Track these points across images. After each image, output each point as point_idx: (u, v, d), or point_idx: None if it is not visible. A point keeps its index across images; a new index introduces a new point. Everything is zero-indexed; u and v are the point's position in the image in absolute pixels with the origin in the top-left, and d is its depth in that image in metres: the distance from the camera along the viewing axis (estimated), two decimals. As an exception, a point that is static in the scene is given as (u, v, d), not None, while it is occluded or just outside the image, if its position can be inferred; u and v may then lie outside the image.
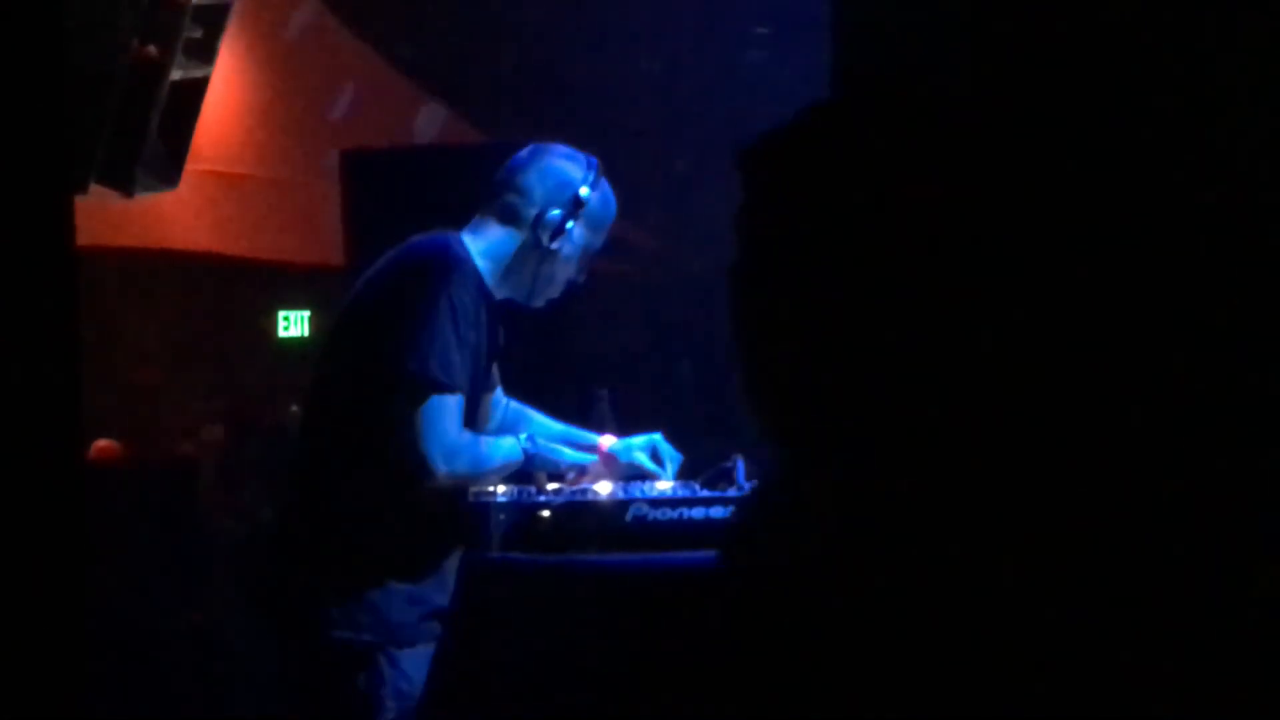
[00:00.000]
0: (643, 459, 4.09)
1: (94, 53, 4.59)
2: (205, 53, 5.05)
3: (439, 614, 3.92)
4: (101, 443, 8.44)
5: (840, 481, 1.33)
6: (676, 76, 8.53)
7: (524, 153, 4.11)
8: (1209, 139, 2.39)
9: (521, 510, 3.93)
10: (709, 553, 3.81)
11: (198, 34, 4.94)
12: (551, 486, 4.04)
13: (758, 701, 1.35)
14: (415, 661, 3.88)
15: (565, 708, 3.59)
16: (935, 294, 1.29)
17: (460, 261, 3.89)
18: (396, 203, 5.61)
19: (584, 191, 4.02)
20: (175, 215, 9.21)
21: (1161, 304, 1.37)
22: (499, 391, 4.22)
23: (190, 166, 5.17)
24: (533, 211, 4.00)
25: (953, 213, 1.31)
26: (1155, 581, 1.29)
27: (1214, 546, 1.31)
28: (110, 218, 8.15)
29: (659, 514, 3.88)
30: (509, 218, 4.02)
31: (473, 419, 3.92)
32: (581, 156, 4.09)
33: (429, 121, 9.41)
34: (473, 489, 3.96)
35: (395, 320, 3.83)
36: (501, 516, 3.97)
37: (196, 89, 5.11)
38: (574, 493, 4.01)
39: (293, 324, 10.00)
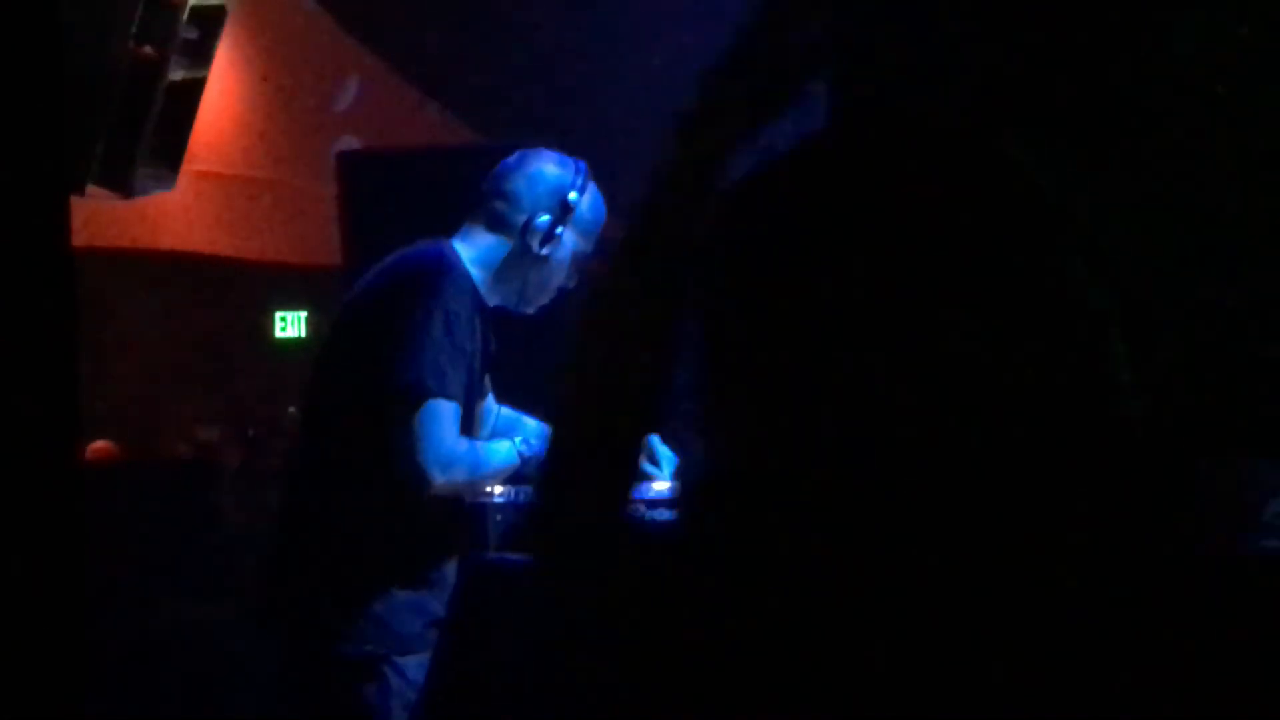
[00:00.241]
0: None
1: (91, 54, 4.59)
2: (202, 54, 5.05)
3: (442, 621, 3.92)
4: (98, 444, 8.44)
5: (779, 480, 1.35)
6: (674, 78, 8.53)
7: (512, 158, 4.10)
8: (1197, 173, 2.40)
9: (518, 511, 3.94)
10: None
11: (194, 35, 4.94)
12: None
13: (738, 698, 1.36)
14: (421, 669, 3.88)
15: (560, 706, 3.60)
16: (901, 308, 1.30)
17: (454, 270, 3.89)
18: (393, 204, 5.61)
19: (572, 196, 4.01)
20: (172, 216, 9.21)
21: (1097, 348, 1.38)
22: (490, 399, 4.21)
23: (187, 167, 5.17)
24: (521, 218, 3.99)
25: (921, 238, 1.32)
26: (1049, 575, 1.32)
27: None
28: (107, 218, 8.16)
29: (655, 515, 3.89)
30: (498, 225, 4.01)
31: (468, 428, 3.92)
32: (570, 161, 4.08)
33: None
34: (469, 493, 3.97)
35: (391, 330, 3.83)
36: (499, 517, 3.98)
37: (193, 90, 5.11)
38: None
39: (289, 324, 10.01)
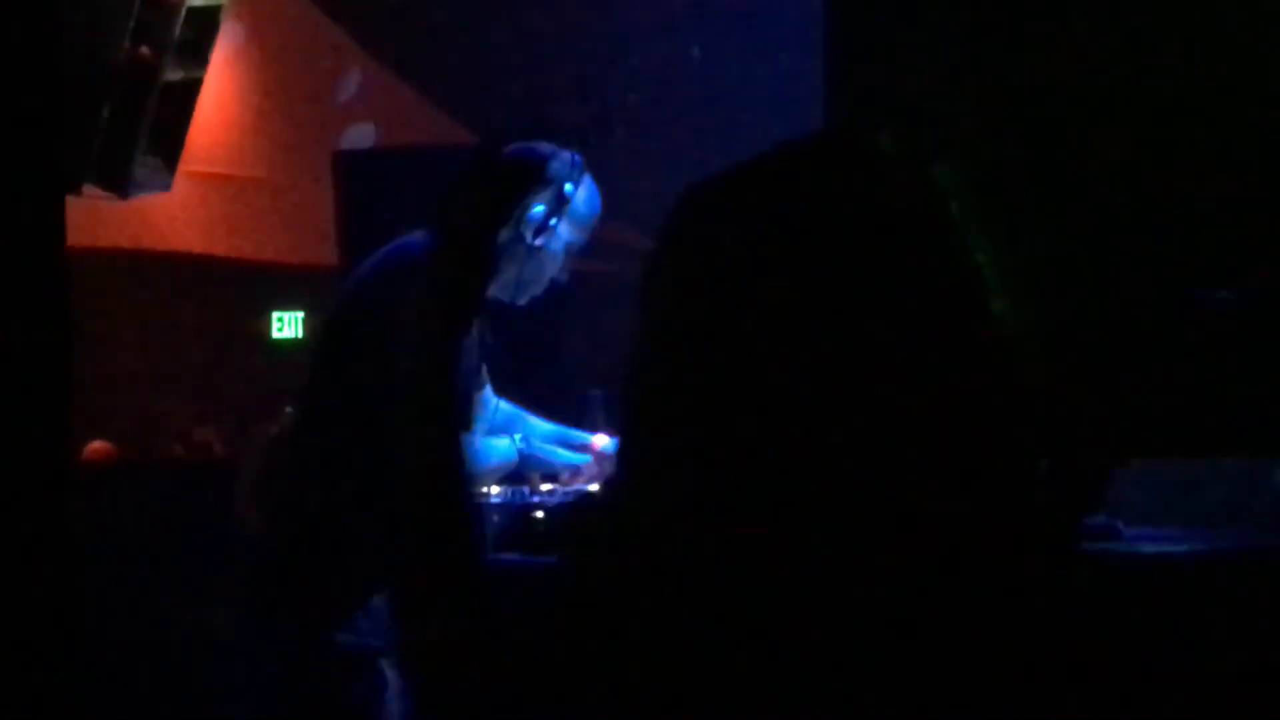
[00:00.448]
0: None
1: (88, 55, 4.60)
2: (198, 55, 5.05)
3: None
4: (95, 444, 8.44)
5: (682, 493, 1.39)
6: (671, 76, 8.54)
7: (509, 149, 4.12)
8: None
9: (515, 511, 3.94)
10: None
11: (191, 36, 4.95)
12: (545, 487, 4.05)
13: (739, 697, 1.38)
14: None
15: (556, 706, 3.60)
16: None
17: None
18: (389, 203, 5.60)
19: (568, 188, 4.03)
20: (169, 216, 9.21)
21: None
22: (489, 390, 4.21)
23: (183, 168, 5.17)
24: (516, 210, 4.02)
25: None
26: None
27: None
28: (104, 219, 8.15)
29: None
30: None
31: (466, 420, 3.92)
32: (566, 154, 4.09)
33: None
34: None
35: (389, 323, 3.82)
36: (495, 518, 3.97)
37: (189, 91, 5.11)
38: (568, 494, 4.02)
39: (286, 324, 10.02)
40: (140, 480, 8.13)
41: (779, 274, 1.35)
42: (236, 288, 10.18)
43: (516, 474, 3.99)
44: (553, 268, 4.08)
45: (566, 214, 4.04)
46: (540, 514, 3.89)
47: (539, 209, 4.01)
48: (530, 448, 3.96)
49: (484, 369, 4.14)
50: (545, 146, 4.12)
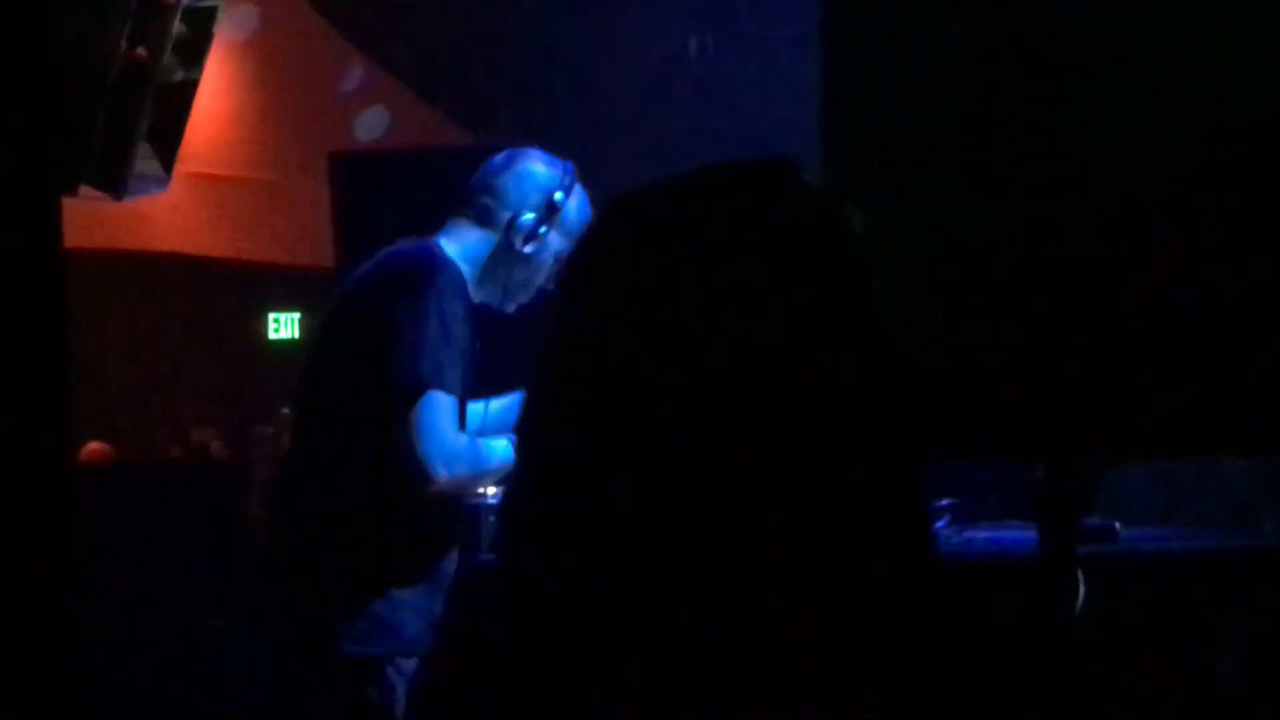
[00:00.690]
0: None
1: (84, 55, 4.59)
2: (195, 55, 5.05)
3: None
4: (92, 445, 8.43)
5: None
6: (667, 78, 8.54)
7: (500, 157, 4.13)
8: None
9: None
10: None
11: (187, 36, 4.94)
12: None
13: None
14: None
15: (553, 707, 3.59)
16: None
17: (449, 268, 3.90)
18: (386, 204, 5.61)
19: (558, 196, 4.04)
20: (165, 217, 9.21)
21: None
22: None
23: (180, 169, 5.17)
24: (506, 215, 4.02)
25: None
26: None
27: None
28: (100, 220, 8.15)
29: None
30: (484, 220, 4.03)
31: (461, 423, 3.92)
32: (559, 162, 4.10)
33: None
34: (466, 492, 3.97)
35: (387, 327, 3.82)
36: (492, 519, 3.97)
37: (186, 91, 5.10)
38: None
39: (283, 326, 10.00)
40: (138, 481, 8.12)
41: (681, 290, 1.39)
42: (233, 289, 10.18)
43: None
44: (541, 275, 4.08)
45: (556, 222, 4.05)
46: (537, 515, 3.88)
47: (528, 217, 4.02)
48: None
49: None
50: (535, 153, 4.13)
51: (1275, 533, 3.73)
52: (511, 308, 4.10)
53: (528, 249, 4.03)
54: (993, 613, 1.43)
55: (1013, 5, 2.46)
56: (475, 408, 4.14)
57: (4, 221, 3.11)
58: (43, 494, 3.14)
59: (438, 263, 3.90)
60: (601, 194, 4.17)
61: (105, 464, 8.42)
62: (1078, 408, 2.46)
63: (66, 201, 3.61)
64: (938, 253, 2.50)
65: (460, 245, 4.00)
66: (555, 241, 4.06)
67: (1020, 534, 3.75)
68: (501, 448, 3.94)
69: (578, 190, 4.11)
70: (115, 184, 4.91)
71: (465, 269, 3.97)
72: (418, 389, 3.76)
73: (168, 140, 5.11)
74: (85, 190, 4.88)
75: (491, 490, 4.03)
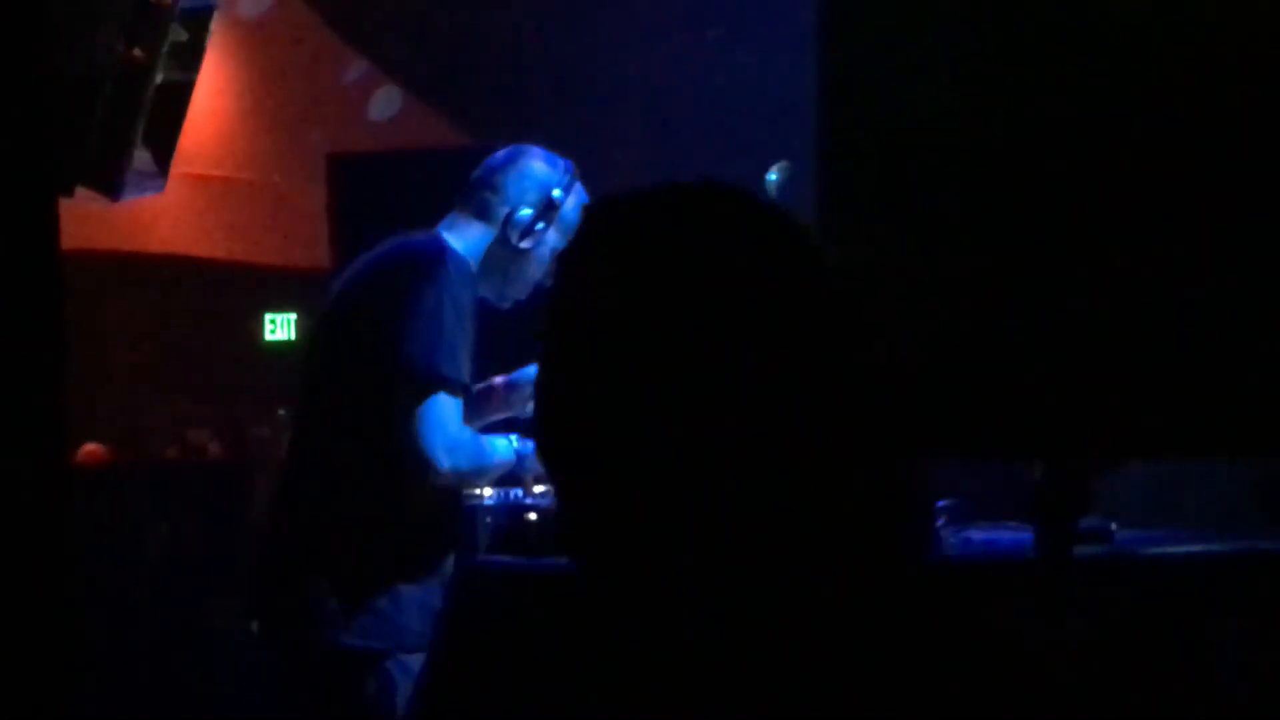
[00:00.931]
0: None
1: (79, 56, 4.58)
2: (191, 56, 5.03)
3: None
4: (89, 446, 8.44)
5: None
6: (663, 79, 8.54)
7: (502, 153, 4.14)
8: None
9: (508, 513, 3.94)
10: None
11: (183, 37, 4.93)
12: (538, 489, 4.04)
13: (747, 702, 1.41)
14: None
15: (550, 711, 3.59)
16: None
17: (460, 261, 3.91)
18: (382, 205, 5.60)
19: (556, 193, 4.05)
20: (161, 219, 9.22)
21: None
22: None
23: (176, 170, 5.15)
24: (504, 210, 4.03)
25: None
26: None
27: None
28: (96, 221, 8.16)
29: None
30: (482, 215, 4.04)
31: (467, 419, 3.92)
32: (560, 160, 4.12)
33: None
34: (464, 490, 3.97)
35: (396, 318, 3.82)
36: (488, 519, 3.97)
37: (182, 92, 5.09)
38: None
39: (279, 327, 10.01)
40: (134, 482, 8.12)
41: (666, 298, 1.43)
42: (229, 289, 10.18)
43: (511, 475, 3.99)
44: (538, 272, 4.09)
45: (555, 220, 4.05)
46: (533, 516, 3.89)
47: (525, 213, 4.03)
48: (526, 447, 3.96)
49: None
50: (536, 151, 4.14)
51: (1272, 535, 3.72)
52: (508, 303, 4.11)
53: (524, 245, 4.04)
54: (989, 613, 1.43)
55: (1011, 7, 2.46)
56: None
57: (1, 223, 3.11)
58: (39, 495, 3.14)
59: (450, 256, 3.91)
60: (600, 193, 4.18)
61: (101, 465, 8.42)
62: (1076, 408, 2.46)
63: (62, 203, 3.61)
64: (936, 253, 2.50)
65: (460, 239, 4.01)
66: (553, 239, 4.07)
67: (1017, 535, 3.75)
68: (502, 445, 3.94)
69: (577, 188, 4.12)
70: (111, 185, 4.90)
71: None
72: (423, 380, 3.76)
73: (164, 141, 5.10)
74: (80, 191, 4.87)
75: (488, 492, 4.03)
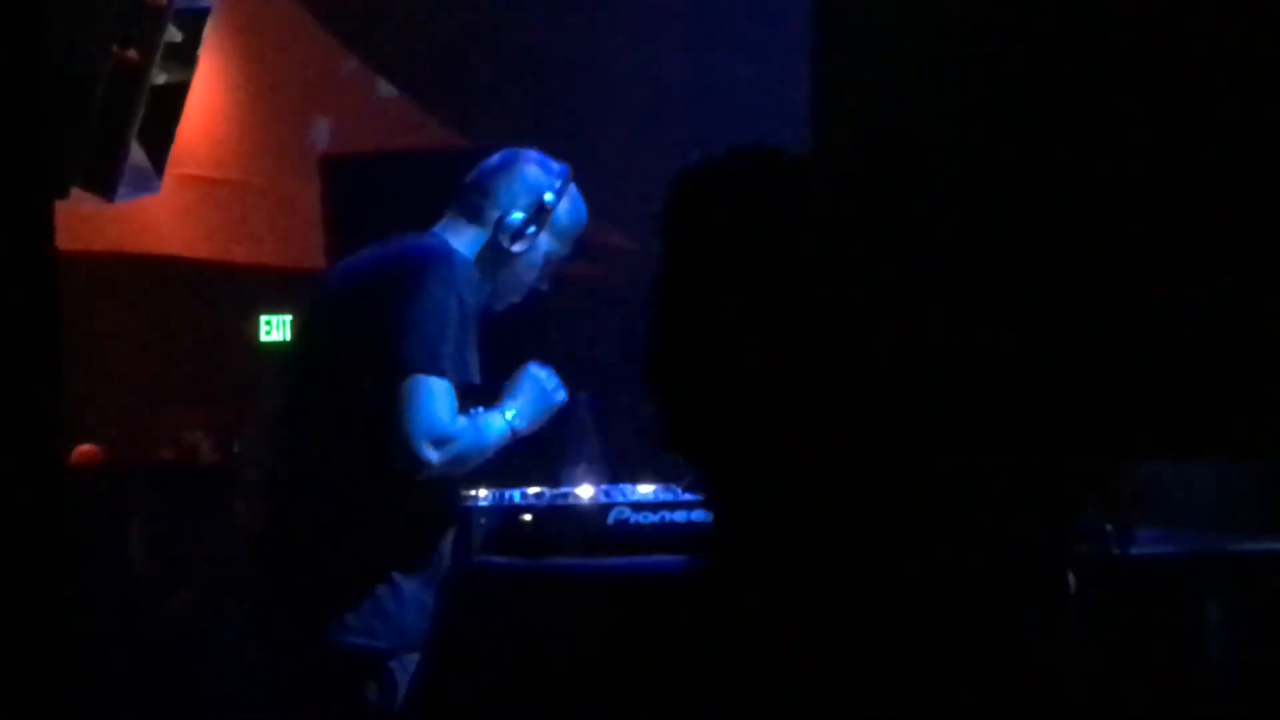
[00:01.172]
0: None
1: (74, 57, 4.58)
2: (186, 57, 5.03)
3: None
4: (84, 447, 8.42)
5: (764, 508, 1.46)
6: (660, 80, 8.53)
7: (496, 157, 4.14)
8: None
9: (503, 514, 3.94)
10: (691, 557, 3.83)
11: (178, 38, 4.93)
12: (533, 490, 4.05)
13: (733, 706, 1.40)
14: None
15: (546, 712, 3.59)
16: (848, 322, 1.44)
17: (464, 261, 3.92)
18: (377, 207, 5.61)
19: (548, 197, 4.04)
20: (156, 220, 9.20)
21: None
22: None
23: (171, 171, 5.15)
24: (496, 214, 4.03)
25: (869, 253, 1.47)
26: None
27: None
28: (91, 222, 8.14)
29: (641, 517, 3.89)
30: (475, 218, 4.05)
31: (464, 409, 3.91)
32: (554, 164, 4.11)
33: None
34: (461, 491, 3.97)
35: (401, 318, 3.81)
36: (483, 520, 3.97)
37: (177, 93, 5.09)
38: (555, 496, 4.02)
39: (274, 328, 9.99)
40: (129, 483, 8.11)
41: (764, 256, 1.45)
42: (224, 290, 10.16)
43: (506, 475, 3.99)
44: (531, 276, 4.09)
45: (547, 224, 4.05)
46: (527, 517, 3.89)
47: (517, 216, 4.02)
48: (519, 422, 3.94)
49: None
50: (531, 155, 4.14)
51: (1269, 535, 3.73)
52: (501, 306, 4.11)
53: (515, 248, 4.04)
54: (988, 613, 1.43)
55: (1009, 9, 2.46)
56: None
57: (-5, 224, 3.11)
58: (35, 496, 3.13)
59: (454, 256, 3.91)
60: (595, 193, 4.17)
61: (96, 466, 8.41)
62: (1076, 408, 2.46)
63: (57, 204, 3.61)
64: (934, 253, 2.50)
65: (457, 242, 4.01)
66: (545, 243, 4.07)
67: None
68: (497, 426, 3.91)
69: (571, 192, 4.11)
70: (106, 186, 4.89)
71: None
72: (410, 372, 3.75)
73: (159, 142, 5.10)
74: (76, 192, 4.87)
75: (483, 492, 4.03)
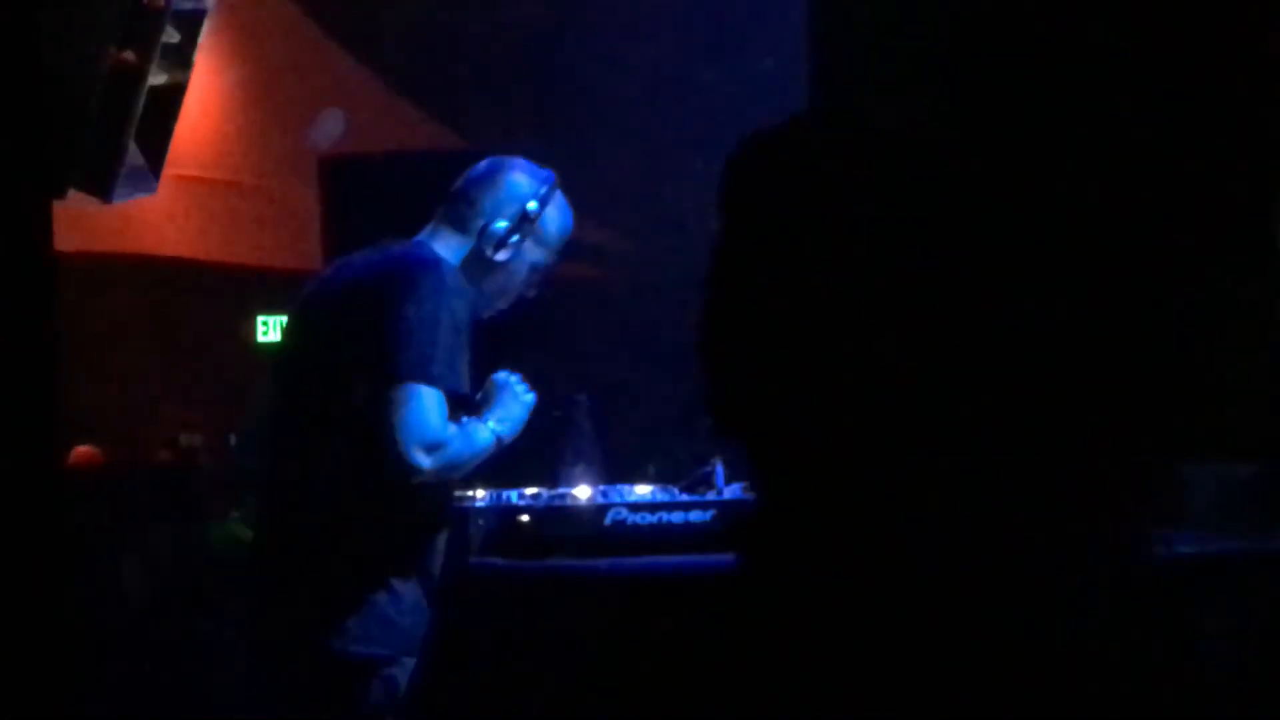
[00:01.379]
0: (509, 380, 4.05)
1: (72, 58, 4.58)
2: (183, 58, 5.03)
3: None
4: (81, 448, 8.42)
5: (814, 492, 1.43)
6: (659, 82, 8.53)
7: (482, 165, 4.13)
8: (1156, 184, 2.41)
9: (500, 515, 3.93)
10: (688, 557, 3.82)
11: (175, 39, 4.93)
12: (530, 491, 4.04)
13: (731, 705, 1.40)
14: None
15: (543, 711, 3.59)
16: (898, 307, 1.42)
17: (452, 270, 3.91)
18: (375, 208, 5.61)
19: (531, 206, 4.03)
20: (153, 220, 9.20)
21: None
22: None
23: (168, 171, 5.15)
24: (480, 223, 4.02)
25: (914, 231, 1.45)
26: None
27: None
28: (88, 223, 8.13)
29: (638, 518, 3.89)
30: (459, 227, 4.04)
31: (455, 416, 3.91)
32: (540, 172, 4.10)
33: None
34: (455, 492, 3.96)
35: (391, 326, 3.80)
36: (480, 522, 3.97)
37: (174, 94, 5.09)
38: (553, 497, 4.02)
39: (271, 329, 9.99)
40: (126, 484, 8.11)
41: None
42: (221, 291, 10.17)
43: (503, 476, 3.99)
44: (517, 283, 4.09)
45: (532, 232, 4.05)
46: (524, 518, 3.88)
47: (500, 225, 4.02)
48: (504, 431, 3.94)
49: None
50: (516, 163, 4.13)
51: (1273, 535, 3.73)
52: (488, 313, 4.10)
53: (499, 257, 4.03)
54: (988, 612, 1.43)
55: (1007, 9, 2.46)
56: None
57: (-7, 224, 3.11)
58: (32, 497, 3.13)
59: (443, 265, 3.91)
60: (589, 193, 4.17)
61: (93, 467, 8.41)
62: (1079, 409, 2.46)
63: (55, 204, 3.61)
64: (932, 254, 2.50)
65: (444, 250, 4.00)
66: (530, 250, 4.06)
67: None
68: (483, 435, 3.91)
69: (557, 200, 4.11)
70: (103, 186, 4.89)
71: None
72: (402, 380, 3.75)
73: (156, 143, 5.10)
74: (73, 193, 4.87)
75: (480, 494, 4.03)
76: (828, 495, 1.42)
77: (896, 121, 2.50)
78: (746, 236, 1.51)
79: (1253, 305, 2.41)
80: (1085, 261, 2.43)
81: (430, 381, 3.76)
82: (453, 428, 3.82)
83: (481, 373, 4.06)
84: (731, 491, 3.86)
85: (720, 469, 3.94)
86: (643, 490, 4.07)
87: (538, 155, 4.20)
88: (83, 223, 7.88)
